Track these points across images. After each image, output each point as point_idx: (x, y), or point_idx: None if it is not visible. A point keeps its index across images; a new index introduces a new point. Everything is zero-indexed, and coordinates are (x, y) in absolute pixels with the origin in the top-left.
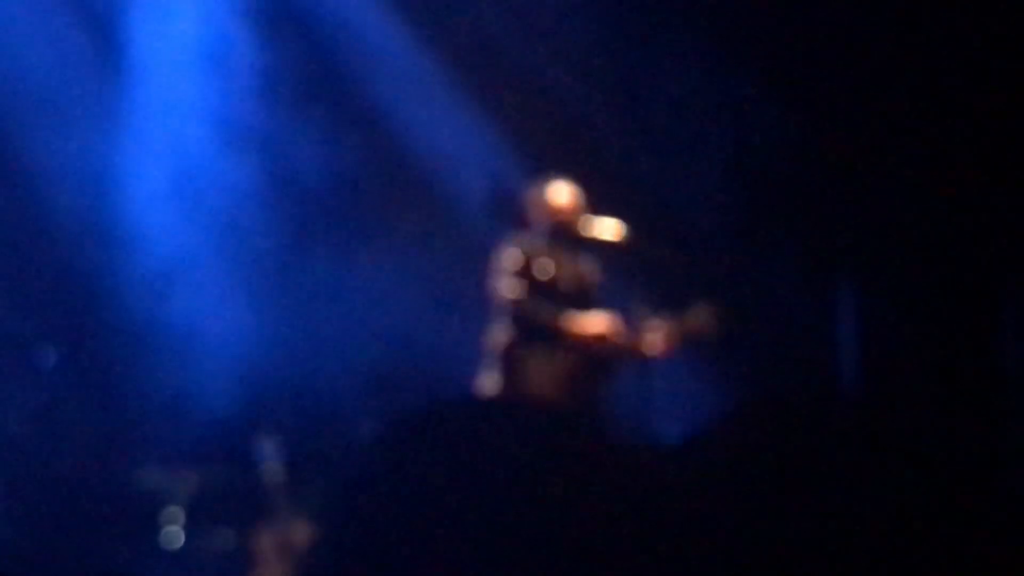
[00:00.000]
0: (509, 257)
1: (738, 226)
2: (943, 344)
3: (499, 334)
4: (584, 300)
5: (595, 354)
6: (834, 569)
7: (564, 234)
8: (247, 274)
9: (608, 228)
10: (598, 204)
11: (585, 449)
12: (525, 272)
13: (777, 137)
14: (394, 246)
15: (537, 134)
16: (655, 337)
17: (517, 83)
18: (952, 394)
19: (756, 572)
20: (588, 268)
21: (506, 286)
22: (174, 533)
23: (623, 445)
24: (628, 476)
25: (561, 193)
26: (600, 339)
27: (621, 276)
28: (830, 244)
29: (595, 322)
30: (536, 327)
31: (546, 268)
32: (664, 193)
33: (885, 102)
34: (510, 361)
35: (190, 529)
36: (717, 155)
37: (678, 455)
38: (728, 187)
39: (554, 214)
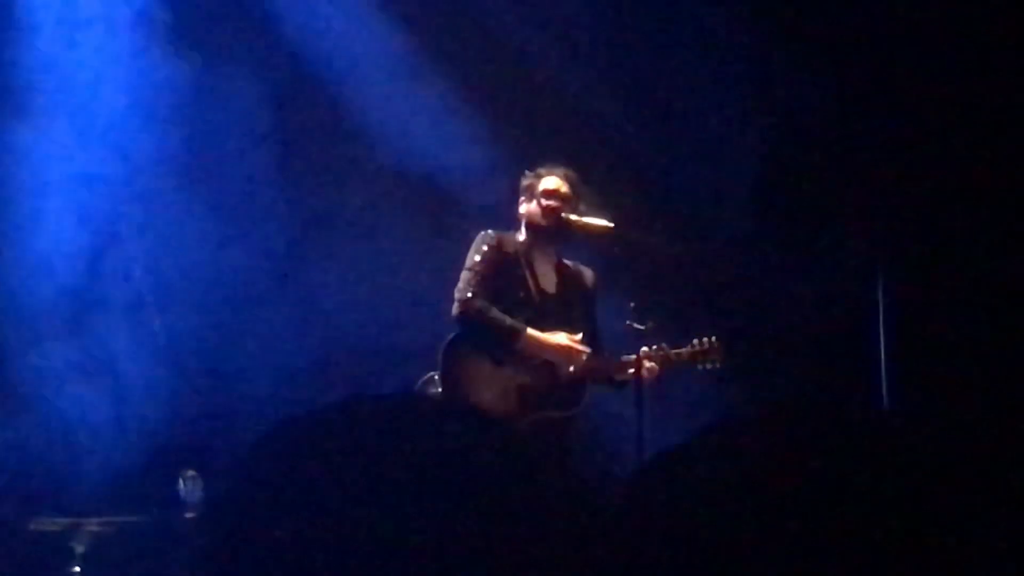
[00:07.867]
0: (478, 251)
1: (764, 221)
2: (988, 349)
3: (452, 335)
4: (563, 311)
5: (555, 376)
6: None
7: (550, 230)
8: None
9: (602, 221)
10: (604, 196)
11: (523, 477)
12: (494, 271)
13: (808, 124)
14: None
15: (532, 115)
16: (644, 365)
17: (505, 58)
18: (998, 405)
19: None
20: (575, 275)
21: (467, 284)
22: None
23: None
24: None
25: (552, 180)
26: (562, 360)
27: (626, 276)
28: (865, 240)
29: (559, 346)
30: (492, 335)
31: (520, 270)
32: (679, 185)
33: (924, 91)
34: (457, 368)
35: None
36: (740, 142)
37: (663, 475)
38: (752, 179)
39: (541, 204)
